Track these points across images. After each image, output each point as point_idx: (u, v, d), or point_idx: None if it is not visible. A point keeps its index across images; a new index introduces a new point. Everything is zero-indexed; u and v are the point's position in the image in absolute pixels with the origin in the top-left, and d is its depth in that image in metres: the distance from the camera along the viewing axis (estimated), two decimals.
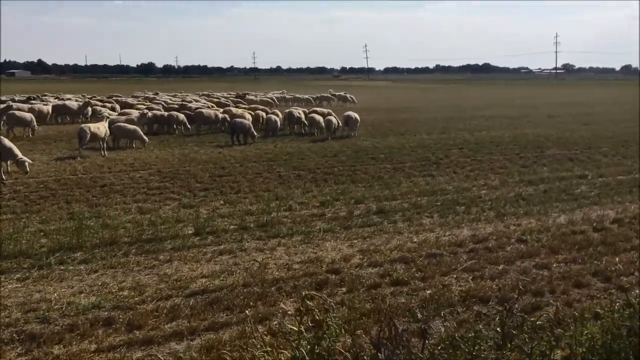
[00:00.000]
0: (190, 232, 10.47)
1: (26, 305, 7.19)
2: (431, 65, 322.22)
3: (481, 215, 11.81)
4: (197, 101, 36.39)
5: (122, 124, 21.94)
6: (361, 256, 9.28)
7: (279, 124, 25.77)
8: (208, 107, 30.91)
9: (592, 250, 9.44)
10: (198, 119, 26.39)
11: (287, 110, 28.45)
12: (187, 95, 45.00)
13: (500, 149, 21.21)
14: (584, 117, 35.71)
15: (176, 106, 31.26)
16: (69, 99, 37.51)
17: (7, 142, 15.07)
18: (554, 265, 8.82)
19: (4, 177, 14.80)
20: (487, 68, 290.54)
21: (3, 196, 13.06)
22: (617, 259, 8.85)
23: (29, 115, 25.58)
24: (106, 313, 6.95)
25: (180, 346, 6.24)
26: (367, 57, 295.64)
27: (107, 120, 21.78)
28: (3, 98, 37.72)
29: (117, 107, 32.35)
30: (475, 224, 11.26)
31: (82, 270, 8.49)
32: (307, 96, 51.04)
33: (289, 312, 5.65)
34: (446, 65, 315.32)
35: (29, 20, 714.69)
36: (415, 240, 10.16)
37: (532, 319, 3.87)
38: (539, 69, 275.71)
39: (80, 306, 7.14)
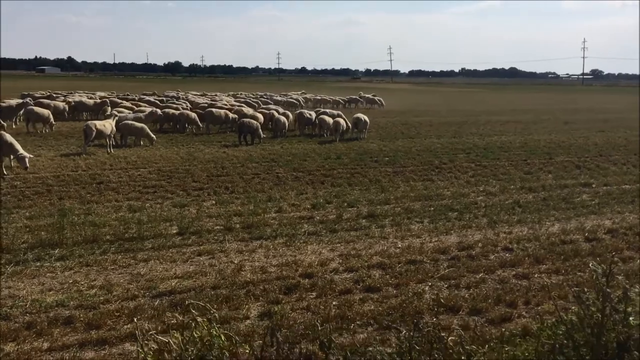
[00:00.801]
0: (174, 231, 10.45)
1: None
2: (457, 69, 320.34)
3: (473, 222, 11.60)
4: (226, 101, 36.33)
5: (129, 121, 22.08)
6: (340, 260, 9.16)
7: (287, 125, 25.70)
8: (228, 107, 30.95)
9: (578, 261, 9.19)
10: (208, 118, 26.47)
11: (298, 111, 28.45)
12: (216, 95, 44.70)
13: (507, 154, 20.88)
14: (602, 124, 35.04)
15: (206, 105, 31.48)
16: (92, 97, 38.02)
17: (8, 138, 15.23)
18: (535, 275, 8.60)
19: (5, 171, 14.97)
20: (513, 73, 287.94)
21: None
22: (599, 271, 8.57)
23: (46, 112, 26.00)
24: (68, 312, 6.93)
25: (133, 347, 6.18)
26: (391, 60, 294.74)
27: (116, 118, 21.97)
28: (24, 93, 38.61)
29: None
30: (465, 230, 11.06)
31: (57, 267, 8.51)
32: (337, 98, 50.48)
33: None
34: (472, 69, 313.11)
35: (60, 18, 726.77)
36: (400, 245, 10.00)
37: (443, 335, 3.69)
38: (567, 74, 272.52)
39: (44, 304, 7.13)
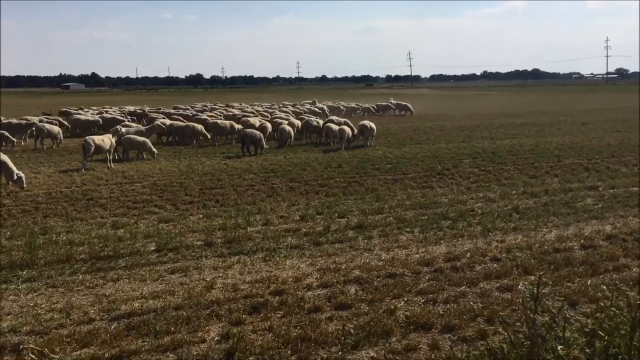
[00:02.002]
0: (152, 248, 10.15)
1: None
2: (478, 72, 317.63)
3: (465, 231, 11.10)
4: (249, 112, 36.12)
5: (131, 136, 22.00)
6: (318, 275, 8.75)
7: (292, 134, 25.39)
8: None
9: (569, 270, 8.65)
10: (213, 129, 26.31)
11: (305, 120, 28.14)
12: (247, 106, 44.17)
13: (515, 158, 20.26)
14: (620, 124, 34.07)
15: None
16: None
17: (2, 157, 15.13)
18: (520, 287, 8.09)
19: None
20: (536, 74, 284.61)
21: None
22: (589, 281, 8.05)
23: (56, 129, 26.19)
24: (18, 338, 6.64)
25: None
26: (410, 65, 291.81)
27: (119, 133, 21.94)
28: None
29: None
30: (456, 240, 10.57)
31: (22, 289, 8.24)
32: (366, 105, 49.42)
33: None
34: (494, 71, 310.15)
35: (84, 35, 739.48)
36: (384, 257, 9.56)
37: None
38: (591, 74, 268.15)
39: None
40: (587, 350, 3.23)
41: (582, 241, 10.17)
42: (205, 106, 45.13)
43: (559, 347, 3.18)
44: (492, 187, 15.20)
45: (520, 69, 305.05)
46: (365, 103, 51.36)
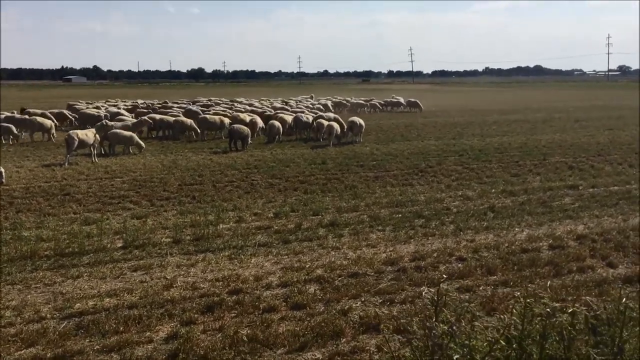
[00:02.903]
0: (119, 245, 10.09)
1: None
2: (480, 68, 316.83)
3: (437, 230, 11.02)
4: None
5: (117, 130, 21.92)
6: (281, 274, 8.69)
7: (281, 129, 25.28)
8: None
9: (531, 271, 8.58)
10: (202, 124, 26.22)
11: (295, 115, 28.03)
12: (255, 101, 43.67)
13: (501, 156, 20.14)
14: (613, 121, 33.89)
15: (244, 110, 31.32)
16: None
17: None
18: (481, 288, 8.03)
19: None
20: (538, 70, 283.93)
21: None
22: (549, 282, 7.98)
23: (48, 122, 26.17)
24: None
25: None
26: (412, 61, 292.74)
27: (105, 127, 21.87)
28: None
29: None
30: (426, 239, 10.50)
31: None
32: (374, 101, 48.11)
33: None
34: (496, 67, 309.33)
35: (87, 27, 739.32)
36: (350, 256, 9.49)
37: None
38: (594, 71, 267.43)
39: None
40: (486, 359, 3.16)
41: (551, 241, 10.10)
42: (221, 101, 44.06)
43: (455, 357, 3.10)
44: (472, 186, 15.11)
45: (523, 66, 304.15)
46: (359, 99, 50.38)
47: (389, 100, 49.35)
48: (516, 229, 11.04)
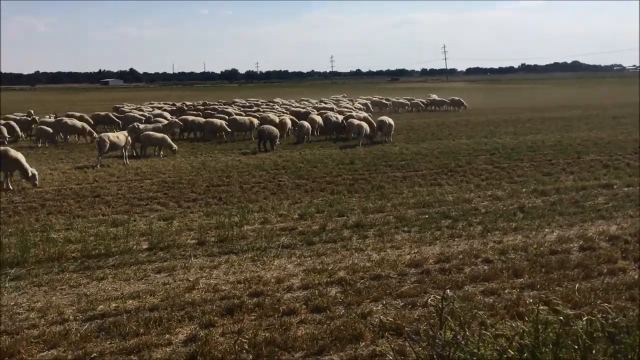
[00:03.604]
0: (144, 247, 10.17)
1: None
2: (516, 65, 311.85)
3: (464, 231, 10.83)
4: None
5: (149, 132, 22.19)
6: (303, 276, 8.64)
7: (310, 130, 25.27)
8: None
9: (560, 273, 8.34)
10: (232, 126, 26.38)
11: (325, 115, 28.00)
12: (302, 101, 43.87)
13: (533, 154, 19.74)
14: None
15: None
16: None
17: (12, 153, 15.38)
18: (506, 291, 7.83)
19: (10, 186, 15.15)
20: (576, 66, 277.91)
21: None
22: (577, 285, 7.74)
23: (79, 124, 26.69)
24: None
25: None
26: (445, 58, 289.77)
27: (136, 130, 22.16)
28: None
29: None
30: (452, 240, 10.32)
31: (7, 288, 8.33)
32: (416, 100, 46.87)
33: None
34: (532, 64, 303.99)
35: (123, 32, 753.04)
36: (373, 258, 9.38)
37: None
38: (634, 65, 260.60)
39: None
40: None
41: (582, 242, 9.81)
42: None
43: None
44: (502, 185, 14.83)
45: (560, 62, 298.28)
46: (400, 98, 49.39)
47: (431, 99, 48.10)
48: (546, 230, 10.77)
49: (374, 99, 48.11)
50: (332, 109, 32.89)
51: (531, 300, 3.90)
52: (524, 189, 14.22)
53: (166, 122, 25.35)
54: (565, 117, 35.10)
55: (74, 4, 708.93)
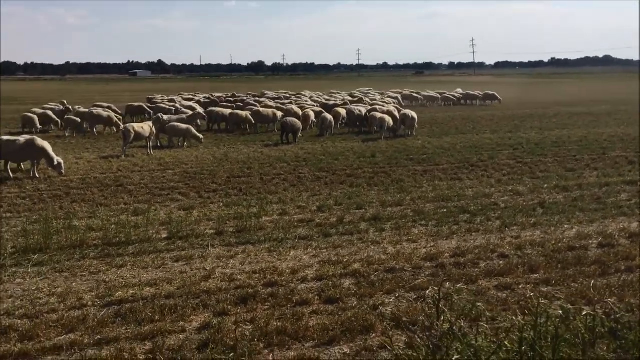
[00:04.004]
0: (164, 236, 10.34)
1: None
2: (546, 59, 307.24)
3: (482, 226, 10.79)
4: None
5: (174, 123, 22.42)
6: (318, 267, 8.71)
7: (333, 123, 25.30)
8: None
9: (576, 270, 8.27)
10: (256, 118, 26.53)
11: (348, 108, 27.98)
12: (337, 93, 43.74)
13: (558, 150, 19.52)
14: None
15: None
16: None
17: (39, 142, 15.70)
18: (520, 286, 7.80)
19: (37, 175, 15.48)
20: (607, 61, 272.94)
21: (19, 194, 13.60)
22: (592, 282, 7.67)
23: (105, 114, 27.07)
24: (10, 321, 6.87)
25: None
26: (473, 52, 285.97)
27: (161, 121, 22.41)
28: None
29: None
30: (470, 235, 10.29)
31: (29, 273, 8.54)
32: (448, 94, 45.95)
33: None
34: (562, 58, 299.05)
35: (151, 23, 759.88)
36: (389, 251, 9.41)
37: None
38: None
39: None
40: None
41: (601, 239, 9.71)
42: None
43: (454, 358, 3.03)
44: (523, 180, 14.70)
45: (591, 56, 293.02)
46: (431, 92, 48.18)
47: (464, 92, 47.16)
48: (565, 226, 10.67)
49: (404, 92, 47.37)
50: (362, 102, 32.85)
51: (532, 294, 3.89)
52: (546, 185, 14.09)
53: (190, 113, 25.54)
54: (593, 112, 34.57)
55: None
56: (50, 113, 28.00)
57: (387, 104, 32.48)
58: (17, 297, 7.71)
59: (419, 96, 45.67)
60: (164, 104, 33.51)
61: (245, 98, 39.03)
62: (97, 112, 27.14)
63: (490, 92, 45.83)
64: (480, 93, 46.42)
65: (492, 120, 30.87)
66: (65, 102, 35.09)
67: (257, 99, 38.06)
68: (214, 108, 28.95)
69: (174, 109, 29.34)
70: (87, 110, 28.17)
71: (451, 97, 45.22)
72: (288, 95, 41.99)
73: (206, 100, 37.75)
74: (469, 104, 45.38)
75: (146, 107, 32.64)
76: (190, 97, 42.19)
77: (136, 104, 34.01)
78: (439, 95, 45.92)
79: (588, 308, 3.64)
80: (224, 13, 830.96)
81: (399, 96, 43.05)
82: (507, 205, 12.20)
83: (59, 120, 27.98)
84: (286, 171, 16.36)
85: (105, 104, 32.03)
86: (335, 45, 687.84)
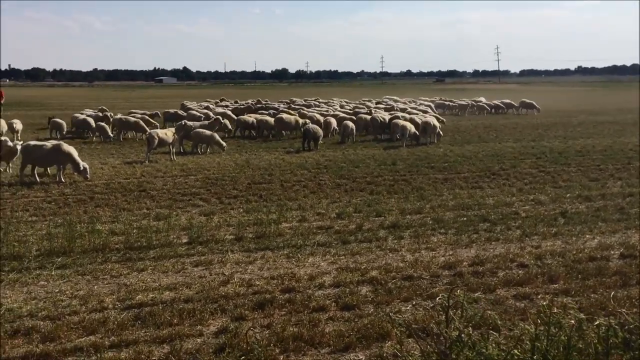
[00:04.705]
0: (184, 241, 10.46)
1: None
2: (572, 67, 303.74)
3: (501, 235, 10.73)
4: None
5: (199, 130, 22.66)
6: (335, 274, 8.74)
7: (354, 130, 25.34)
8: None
9: (596, 280, 8.19)
10: (278, 124, 26.70)
11: (371, 116, 28.02)
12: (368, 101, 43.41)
13: (582, 159, 19.31)
14: None
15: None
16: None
17: (65, 147, 16.00)
18: (539, 296, 7.75)
19: (63, 179, 15.77)
20: (637, 69, 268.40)
21: (45, 198, 13.87)
22: (612, 293, 7.59)
23: (132, 119, 27.40)
24: (32, 322, 7.01)
25: None
26: (498, 60, 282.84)
27: (185, 127, 22.68)
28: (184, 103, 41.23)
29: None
30: (489, 244, 10.24)
31: (53, 276, 8.70)
32: (481, 102, 44.39)
33: None
34: (589, 66, 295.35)
35: (176, 29, 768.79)
36: (407, 259, 9.40)
37: None
38: None
39: (16, 313, 7.29)
40: None
41: (623, 250, 9.60)
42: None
43: None
44: (545, 190, 14.57)
45: (619, 64, 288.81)
46: (464, 100, 47.17)
47: (499, 102, 45.39)
48: (587, 236, 10.56)
49: (437, 100, 46.55)
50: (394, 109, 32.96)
51: (545, 303, 3.87)
52: (568, 194, 13.95)
53: (213, 118, 25.76)
54: (619, 121, 34.11)
55: (127, 3, 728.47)
56: (89, 119, 27.60)
57: (423, 112, 32.08)
58: (40, 299, 7.87)
59: (452, 104, 44.69)
60: (196, 110, 33.90)
61: (276, 105, 39.24)
62: (125, 119, 27.35)
63: (528, 101, 44.05)
64: (517, 103, 44.67)
65: (515, 128, 30.64)
66: (104, 108, 35.36)
67: (290, 105, 38.47)
68: (243, 116, 29.28)
69: (203, 116, 29.71)
70: (125, 116, 28.31)
71: (485, 105, 43.61)
72: (318, 103, 41.92)
73: (240, 107, 38.08)
74: (504, 112, 43.51)
75: (181, 114, 33.00)
76: (227, 104, 42.72)
77: (172, 110, 34.14)
78: (474, 103, 44.47)
79: (602, 318, 3.60)
80: (249, 20, 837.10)
81: (432, 104, 42.02)
82: (528, 215, 12.11)
83: (106, 125, 27.84)
84: (306, 178, 16.44)
85: (140, 111, 32.34)
86: (359, 52, 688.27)
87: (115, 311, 7.42)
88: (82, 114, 30.04)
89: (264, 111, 33.92)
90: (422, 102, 43.62)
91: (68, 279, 8.63)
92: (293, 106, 37.49)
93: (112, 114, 30.92)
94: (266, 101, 44.61)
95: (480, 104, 44.12)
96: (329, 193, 14.44)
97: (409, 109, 33.68)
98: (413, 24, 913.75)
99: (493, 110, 43.49)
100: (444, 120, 30.16)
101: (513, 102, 44.44)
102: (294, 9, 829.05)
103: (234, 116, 30.39)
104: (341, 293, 7.95)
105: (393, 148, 22.80)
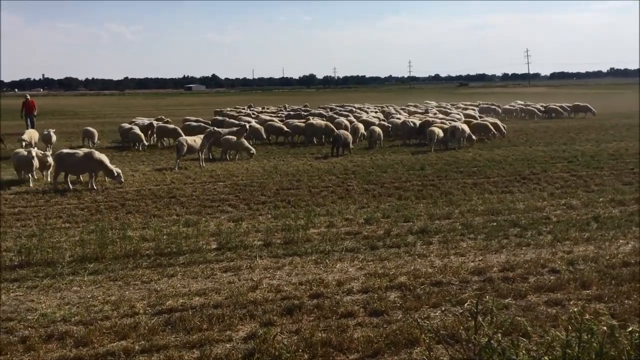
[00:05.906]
0: (213, 247, 10.56)
1: (8, 314, 7.64)
2: (604, 69, 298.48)
3: (532, 240, 10.58)
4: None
5: (229, 136, 22.84)
6: (364, 280, 8.73)
7: (382, 135, 25.30)
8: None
9: (630, 286, 8.02)
10: (308, 130, 26.80)
11: (402, 120, 27.97)
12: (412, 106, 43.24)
13: (615, 163, 18.97)
14: None
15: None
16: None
17: (96, 155, 16.29)
18: (571, 302, 7.62)
19: (95, 186, 16.05)
20: None
21: (77, 205, 14.13)
22: None
23: (171, 126, 27.59)
24: (66, 327, 7.13)
25: None
26: (528, 62, 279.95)
27: (215, 134, 22.87)
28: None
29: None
30: (520, 249, 10.11)
31: (85, 281, 8.86)
32: (529, 106, 42.82)
33: None
34: (621, 68, 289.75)
35: (204, 37, 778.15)
36: (436, 264, 9.35)
37: None
38: None
39: (50, 318, 7.44)
40: None
41: None
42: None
43: None
44: (577, 194, 14.34)
45: None
46: (513, 104, 45.55)
47: (551, 106, 43.31)
48: (620, 241, 10.36)
49: (482, 105, 45.19)
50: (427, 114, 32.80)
51: (576, 309, 3.79)
52: (601, 199, 13.71)
53: (239, 125, 25.89)
54: None
55: (157, 14, 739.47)
56: (136, 129, 26.83)
57: (472, 117, 31.52)
58: (74, 304, 8.01)
59: (498, 108, 43.11)
60: (240, 117, 33.73)
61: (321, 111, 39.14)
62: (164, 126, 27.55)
63: (582, 104, 42.47)
64: (569, 106, 43.13)
65: (546, 132, 30.24)
66: (163, 117, 34.87)
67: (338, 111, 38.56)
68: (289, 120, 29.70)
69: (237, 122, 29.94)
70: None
71: (534, 110, 41.93)
72: (353, 109, 41.29)
73: (290, 113, 38.17)
74: (555, 117, 41.49)
75: (232, 122, 33.14)
76: (274, 110, 42.99)
77: (220, 117, 34.09)
78: (523, 107, 43.16)
79: (635, 325, 3.54)
80: (275, 26, 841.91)
81: (477, 108, 40.64)
82: (560, 219, 11.93)
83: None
84: (334, 183, 16.45)
85: (193, 118, 32.41)
86: (386, 57, 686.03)
87: (146, 316, 7.52)
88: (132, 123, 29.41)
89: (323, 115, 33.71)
90: (466, 106, 42.42)
91: (100, 284, 8.77)
92: (342, 111, 37.42)
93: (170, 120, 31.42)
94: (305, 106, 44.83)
95: (530, 108, 42.44)
96: (357, 198, 14.43)
97: (453, 113, 33.42)
98: (440, 28, 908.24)
99: (545, 115, 41.66)
100: (505, 126, 28.94)
101: (564, 105, 42.77)
102: (320, 15, 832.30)
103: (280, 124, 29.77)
104: (369, 299, 7.93)
105: (421, 153, 22.68)
